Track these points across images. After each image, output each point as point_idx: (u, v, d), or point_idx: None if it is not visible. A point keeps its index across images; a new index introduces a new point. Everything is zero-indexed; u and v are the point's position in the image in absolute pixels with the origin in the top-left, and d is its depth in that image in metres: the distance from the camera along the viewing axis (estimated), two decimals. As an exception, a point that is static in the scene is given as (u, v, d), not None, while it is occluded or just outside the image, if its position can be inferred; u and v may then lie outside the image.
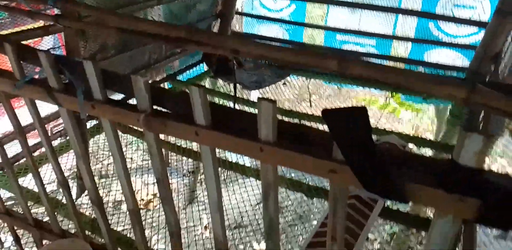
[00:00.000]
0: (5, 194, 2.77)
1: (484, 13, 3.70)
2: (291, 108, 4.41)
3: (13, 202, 3.68)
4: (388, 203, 2.69)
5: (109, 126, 1.39)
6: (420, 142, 3.32)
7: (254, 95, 4.85)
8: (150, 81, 1.29)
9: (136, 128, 3.60)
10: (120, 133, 2.14)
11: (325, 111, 0.91)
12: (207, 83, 4.64)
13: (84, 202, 3.25)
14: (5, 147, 1.95)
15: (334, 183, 1.06)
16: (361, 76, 0.81)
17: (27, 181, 2.84)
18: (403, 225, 2.58)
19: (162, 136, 1.35)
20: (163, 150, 1.42)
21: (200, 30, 1.26)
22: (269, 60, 4.66)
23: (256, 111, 1.04)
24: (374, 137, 1.69)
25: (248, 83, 4.18)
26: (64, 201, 2.72)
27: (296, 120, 3.39)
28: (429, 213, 3.38)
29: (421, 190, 0.90)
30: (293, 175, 3.10)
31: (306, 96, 5.64)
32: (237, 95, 3.64)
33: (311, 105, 5.41)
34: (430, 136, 5.01)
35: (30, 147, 1.83)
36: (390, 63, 4.16)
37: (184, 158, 3.50)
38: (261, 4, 4.70)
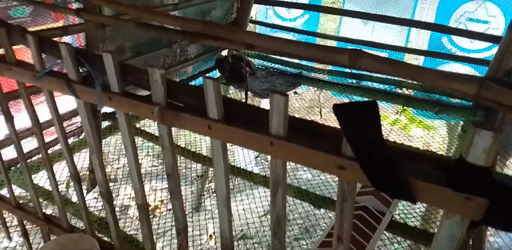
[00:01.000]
0: (15, 189, 2.81)
1: (498, 27, 3.71)
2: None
3: (21, 201, 3.71)
4: (397, 217, 2.66)
5: (124, 117, 1.42)
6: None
7: (265, 103, 4.88)
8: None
9: (146, 130, 3.64)
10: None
11: (336, 105, 0.92)
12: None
13: (92, 205, 3.28)
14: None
15: (342, 179, 1.07)
16: (373, 70, 0.82)
17: (37, 179, 2.90)
18: (410, 241, 2.56)
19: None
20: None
21: (216, 24, 1.29)
22: (281, 69, 4.70)
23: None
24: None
25: (259, 91, 4.22)
26: (72, 199, 2.75)
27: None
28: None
29: (428, 188, 0.90)
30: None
31: (316, 110, 5.65)
32: (248, 103, 3.66)
33: (321, 117, 5.41)
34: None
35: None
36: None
37: (193, 166, 3.54)
38: (275, 13, 4.78)
